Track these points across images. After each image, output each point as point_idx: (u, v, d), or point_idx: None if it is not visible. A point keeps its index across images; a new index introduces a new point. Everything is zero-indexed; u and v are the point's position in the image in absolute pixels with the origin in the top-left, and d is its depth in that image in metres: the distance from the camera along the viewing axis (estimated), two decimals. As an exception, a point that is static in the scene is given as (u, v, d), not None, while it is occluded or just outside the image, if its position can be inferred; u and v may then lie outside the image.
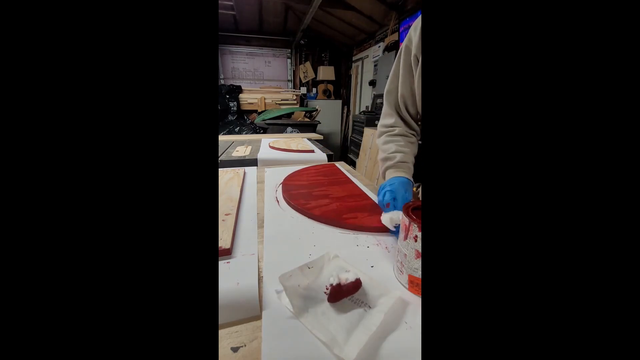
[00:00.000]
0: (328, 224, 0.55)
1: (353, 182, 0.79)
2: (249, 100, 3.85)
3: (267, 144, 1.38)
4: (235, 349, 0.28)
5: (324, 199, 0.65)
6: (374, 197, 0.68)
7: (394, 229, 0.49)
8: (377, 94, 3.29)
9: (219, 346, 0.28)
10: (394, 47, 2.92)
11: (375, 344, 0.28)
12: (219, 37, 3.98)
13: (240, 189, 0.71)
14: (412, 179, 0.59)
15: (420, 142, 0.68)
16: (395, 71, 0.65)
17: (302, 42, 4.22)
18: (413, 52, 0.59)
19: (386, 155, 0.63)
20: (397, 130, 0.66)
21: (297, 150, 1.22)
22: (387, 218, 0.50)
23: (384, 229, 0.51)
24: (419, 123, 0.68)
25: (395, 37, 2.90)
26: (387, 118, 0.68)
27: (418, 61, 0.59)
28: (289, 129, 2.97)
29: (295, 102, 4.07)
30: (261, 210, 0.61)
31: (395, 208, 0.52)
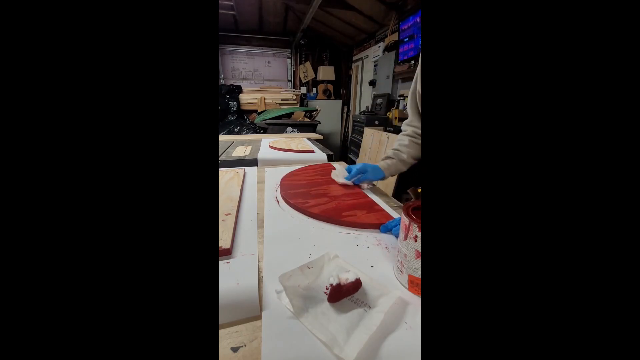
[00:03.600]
0: (327, 221, 0.55)
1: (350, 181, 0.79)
2: (249, 100, 3.85)
3: (267, 144, 1.38)
4: (235, 349, 0.28)
5: (322, 197, 0.65)
6: (373, 197, 0.68)
7: (342, 182, 0.72)
8: (377, 94, 3.29)
9: (219, 346, 0.28)
10: (394, 47, 2.91)
11: (375, 344, 0.28)
12: (219, 37, 3.97)
13: (240, 189, 0.71)
14: (385, 170, 0.73)
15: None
16: (418, 70, 0.70)
17: (302, 42, 4.21)
18: None
19: (388, 150, 0.77)
20: (408, 130, 0.74)
21: (297, 150, 1.22)
22: (335, 173, 0.74)
23: None
24: None
25: (395, 37, 2.89)
26: (409, 116, 0.75)
27: None
28: (289, 129, 2.97)
29: (295, 102, 4.07)
30: (261, 210, 0.61)
31: (351, 173, 0.72)
